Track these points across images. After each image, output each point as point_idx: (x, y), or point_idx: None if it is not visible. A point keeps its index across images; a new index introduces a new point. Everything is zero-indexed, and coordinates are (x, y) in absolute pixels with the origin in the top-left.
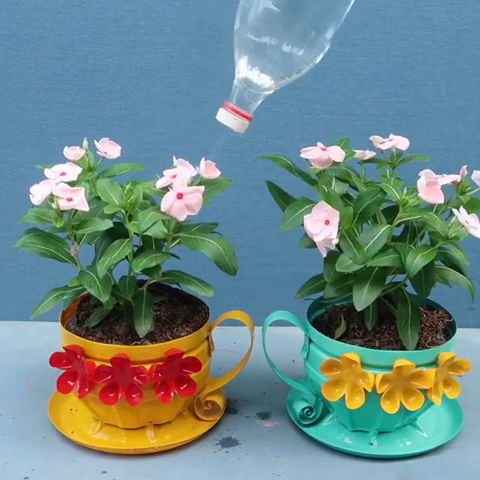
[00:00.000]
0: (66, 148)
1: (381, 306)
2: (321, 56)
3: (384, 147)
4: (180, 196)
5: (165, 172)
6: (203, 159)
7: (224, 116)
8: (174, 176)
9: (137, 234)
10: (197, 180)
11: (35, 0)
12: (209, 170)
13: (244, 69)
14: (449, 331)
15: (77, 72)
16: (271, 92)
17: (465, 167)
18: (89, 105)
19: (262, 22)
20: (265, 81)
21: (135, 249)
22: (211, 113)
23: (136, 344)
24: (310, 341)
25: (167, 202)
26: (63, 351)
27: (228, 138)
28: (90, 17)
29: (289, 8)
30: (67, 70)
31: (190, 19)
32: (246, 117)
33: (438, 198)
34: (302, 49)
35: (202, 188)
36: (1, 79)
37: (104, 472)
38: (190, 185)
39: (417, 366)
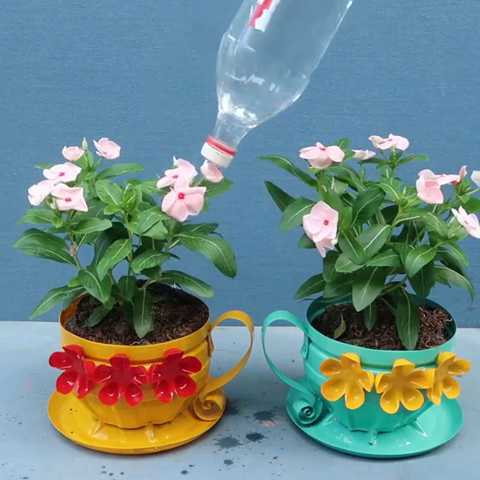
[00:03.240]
0: (65, 148)
1: (381, 306)
2: (301, 92)
3: (383, 147)
4: (181, 196)
5: (166, 172)
6: (206, 161)
7: (207, 151)
8: (176, 176)
9: (137, 234)
10: (198, 181)
11: (35, 0)
12: (212, 173)
13: (226, 105)
14: (448, 331)
15: (77, 72)
16: (254, 126)
17: (464, 167)
18: (89, 105)
19: (240, 62)
20: (247, 117)
21: (135, 249)
22: (211, 113)
23: (136, 344)
24: (310, 341)
25: (168, 202)
26: (63, 351)
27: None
28: (90, 17)
29: (264, 48)
30: (66, 70)
31: (190, 19)
32: (229, 152)
33: (437, 198)
34: (280, 86)
35: (203, 189)
36: (0, 79)
37: (104, 472)
38: (192, 185)
39: (417, 366)
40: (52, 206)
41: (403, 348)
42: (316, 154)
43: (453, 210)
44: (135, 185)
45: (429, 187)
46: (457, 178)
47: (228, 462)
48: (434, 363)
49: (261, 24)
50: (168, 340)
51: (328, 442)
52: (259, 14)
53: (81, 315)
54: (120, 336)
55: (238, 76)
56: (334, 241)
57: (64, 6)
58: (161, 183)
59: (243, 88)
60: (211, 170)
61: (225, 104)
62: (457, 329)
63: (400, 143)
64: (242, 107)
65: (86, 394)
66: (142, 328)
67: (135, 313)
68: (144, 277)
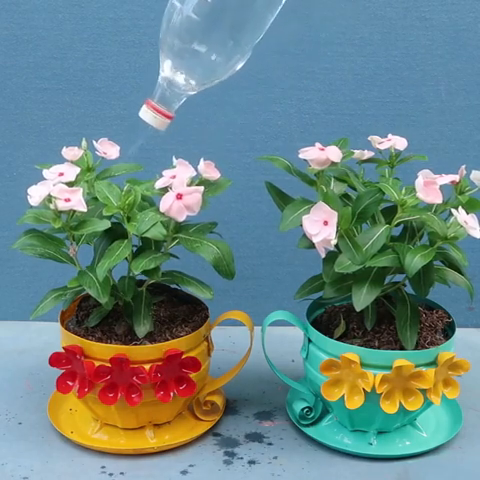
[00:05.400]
0: (64, 148)
1: (380, 306)
2: (242, 63)
3: (382, 147)
4: (179, 196)
5: (164, 172)
6: (202, 159)
7: (145, 113)
8: (173, 176)
9: (136, 235)
10: (196, 180)
11: (35, 0)
12: (209, 171)
13: (167, 70)
14: (448, 331)
15: (76, 72)
16: (193, 93)
17: (464, 167)
18: (88, 105)
19: (184, 28)
20: (188, 83)
21: (134, 249)
22: (210, 113)
23: (135, 344)
24: (309, 341)
25: (166, 202)
26: (62, 351)
27: (148, 135)
28: (89, 17)
29: (208, 17)
30: (66, 70)
31: None
32: (166, 116)
33: (437, 198)
34: (221, 56)
35: (201, 188)
36: (0, 79)
37: (103, 472)
38: (189, 185)
39: (416, 366)
40: (51, 206)
41: (403, 348)
42: (315, 154)
43: (452, 210)
44: (134, 185)
45: (428, 187)
46: (456, 178)
47: (228, 462)
48: (434, 363)
49: None
50: (168, 340)
51: (328, 442)
52: None
53: (81, 315)
54: (120, 336)
55: (181, 42)
56: (333, 241)
57: (64, 6)
58: (159, 184)
59: (185, 55)
60: (207, 168)
61: (166, 68)
62: (457, 329)
63: (399, 143)
64: (183, 73)
65: (86, 394)
66: (142, 328)
67: (135, 313)
68: (144, 277)
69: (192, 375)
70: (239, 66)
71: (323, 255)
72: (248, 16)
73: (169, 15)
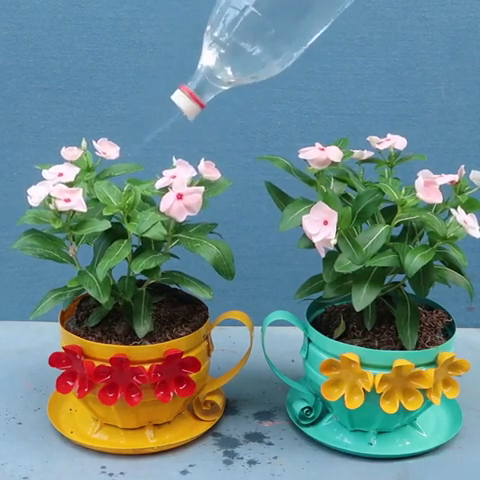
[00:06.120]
0: (64, 148)
1: (380, 306)
2: (282, 68)
3: (382, 147)
4: (180, 196)
5: (164, 172)
6: (202, 159)
7: (178, 97)
8: (174, 176)
9: (136, 235)
10: (197, 180)
11: (35, 0)
12: (209, 170)
13: (211, 59)
14: (448, 331)
15: (76, 72)
16: (227, 88)
17: (463, 167)
18: (88, 105)
19: (241, 22)
20: (228, 78)
21: (134, 249)
22: (210, 113)
23: (135, 344)
24: (309, 341)
25: (167, 202)
26: (62, 351)
27: (169, 123)
28: (89, 17)
29: (268, 14)
30: (66, 70)
31: (190, 19)
32: (200, 104)
33: (436, 198)
34: (270, 56)
35: (202, 188)
36: (0, 79)
37: (103, 472)
38: (190, 185)
39: (416, 366)
40: (51, 207)
41: (403, 348)
42: (315, 154)
43: (452, 210)
44: (134, 185)
45: (428, 187)
46: (456, 178)
47: (228, 462)
48: (434, 363)
49: None
50: (168, 340)
51: (328, 442)
52: None
53: (81, 315)
54: (120, 336)
55: (233, 36)
56: (333, 241)
57: (64, 6)
58: (159, 184)
59: (234, 48)
60: (208, 168)
61: (210, 59)
62: (457, 329)
63: (398, 143)
64: (228, 67)
65: (86, 394)
66: (142, 328)
67: (135, 313)
68: (144, 277)
69: (192, 375)
70: (280, 70)
71: (323, 255)
72: (305, 21)
73: (225, 4)
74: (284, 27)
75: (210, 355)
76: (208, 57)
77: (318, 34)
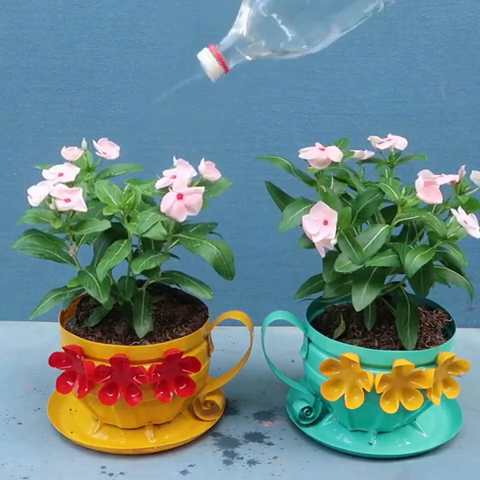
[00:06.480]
0: (64, 148)
1: (380, 306)
2: (315, 50)
3: (382, 147)
4: (180, 197)
5: (165, 172)
6: (203, 160)
7: (205, 56)
8: (174, 176)
9: (136, 235)
10: (197, 181)
11: (35, 0)
12: (209, 171)
13: (245, 29)
14: (448, 331)
15: (76, 72)
16: (250, 59)
17: (464, 167)
18: (88, 105)
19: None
20: (257, 49)
21: (134, 249)
22: (210, 113)
23: (135, 344)
24: (309, 341)
25: (167, 203)
26: (62, 351)
27: (188, 82)
28: (89, 17)
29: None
30: (66, 70)
31: (190, 19)
32: (225, 67)
33: (436, 198)
34: (306, 38)
35: (202, 189)
36: (0, 79)
37: (103, 472)
38: (190, 186)
39: (416, 366)
40: (51, 206)
41: (403, 348)
42: (315, 154)
43: (452, 210)
44: (134, 185)
45: (428, 187)
46: (456, 178)
47: (228, 462)
48: (434, 363)
49: None
50: (168, 340)
51: (328, 442)
52: None
53: (81, 315)
54: (120, 336)
55: (273, 11)
56: (333, 241)
57: (64, 6)
58: (160, 184)
59: (269, 22)
60: (208, 168)
61: (244, 27)
62: (457, 329)
63: (399, 143)
64: (260, 39)
65: (86, 394)
66: (142, 328)
67: (135, 313)
68: (144, 277)
69: (192, 375)
70: (311, 51)
71: (323, 255)
72: (344, 8)
73: None
74: (323, 10)
75: (210, 355)
76: (243, 25)
77: (355, 25)
